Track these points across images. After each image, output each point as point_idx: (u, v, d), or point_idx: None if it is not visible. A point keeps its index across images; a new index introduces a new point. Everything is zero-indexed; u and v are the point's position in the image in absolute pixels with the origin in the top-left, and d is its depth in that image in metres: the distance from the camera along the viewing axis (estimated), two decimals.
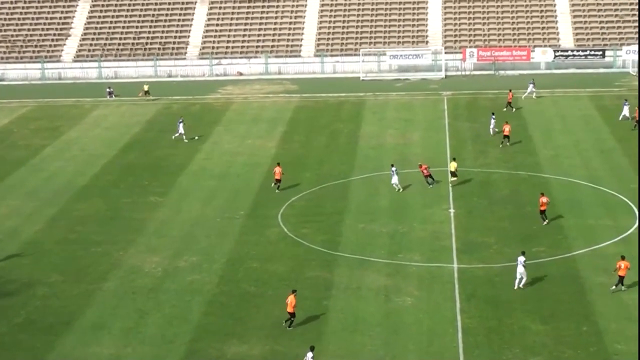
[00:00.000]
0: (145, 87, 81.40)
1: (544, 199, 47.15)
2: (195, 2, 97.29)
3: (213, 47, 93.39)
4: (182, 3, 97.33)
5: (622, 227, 46.35)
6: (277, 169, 54.73)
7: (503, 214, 49.13)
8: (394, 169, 53.39)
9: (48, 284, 42.54)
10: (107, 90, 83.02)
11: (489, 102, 74.70)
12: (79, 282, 42.56)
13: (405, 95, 79.94)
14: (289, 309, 37.01)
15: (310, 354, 33.05)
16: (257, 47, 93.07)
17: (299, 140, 66.30)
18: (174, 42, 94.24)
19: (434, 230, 47.26)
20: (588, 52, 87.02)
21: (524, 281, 39.82)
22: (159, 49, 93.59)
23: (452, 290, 39.92)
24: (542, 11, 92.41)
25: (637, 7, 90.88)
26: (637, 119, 64.78)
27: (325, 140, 65.94)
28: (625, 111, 66.95)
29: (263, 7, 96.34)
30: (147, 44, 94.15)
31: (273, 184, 54.43)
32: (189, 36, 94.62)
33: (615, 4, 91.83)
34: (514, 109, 70.99)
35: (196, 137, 67.03)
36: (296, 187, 54.89)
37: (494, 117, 65.27)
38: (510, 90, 73.06)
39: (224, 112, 75.63)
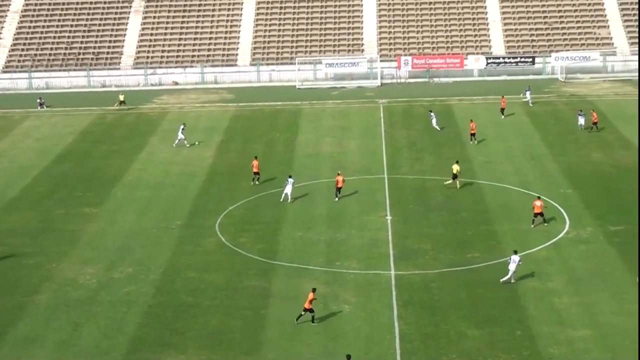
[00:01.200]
0: (121, 97, 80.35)
1: (537, 203, 47.93)
2: (129, 12, 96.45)
3: (148, 57, 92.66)
4: (116, 13, 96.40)
5: (552, 232, 47.24)
6: (255, 162, 56.30)
7: (438, 221, 49.67)
8: (290, 180, 53.46)
9: None
10: (38, 101, 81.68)
11: (423, 109, 75.50)
12: (10, 295, 41.72)
13: (341, 104, 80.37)
14: (306, 305, 37.34)
15: None
16: (193, 56, 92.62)
17: (235, 149, 66.12)
18: (108, 52, 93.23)
19: (371, 238, 47.53)
20: (519, 59, 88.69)
21: (510, 277, 40.53)
22: (92, 58, 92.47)
23: (389, 297, 40.18)
24: (474, 19, 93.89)
25: (565, 15, 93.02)
26: (594, 122, 65.99)
27: (262, 149, 65.86)
28: (581, 121, 66.82)
29: (198, 16, 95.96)
30: (79, 53, 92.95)
31: (252, 180, 56.34)
32: (122, 46, 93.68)
33: (544, 12, 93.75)
34: (504, 116, 72.03)
35: (196, 143, 67.07)
36: (233, 196, 54.72)
37: (432, 113, 68.81)
38: (503, 97, 74.04)
39: (159, 122, 75.06)
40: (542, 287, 40.54)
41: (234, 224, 50.35)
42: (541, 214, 47.99)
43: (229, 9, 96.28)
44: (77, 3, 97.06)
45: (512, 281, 40.82)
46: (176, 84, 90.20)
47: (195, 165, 62.05)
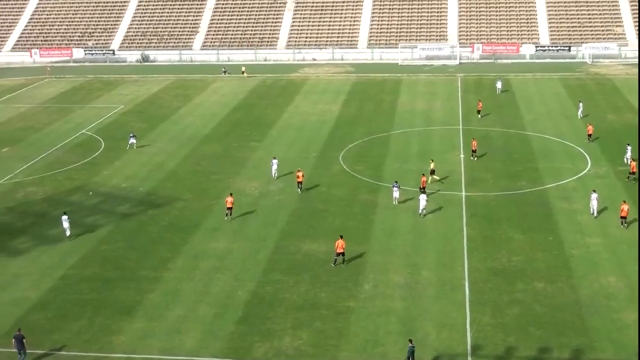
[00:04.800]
0: (243, 69, 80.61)
1: (624, 207, 36.60)
2: None
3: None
4: None
5: (578, 169, 45.12)
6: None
7: (498, 158, 47.94)
8: (275, 160, 45.60)
9: (183, 199, 43.26)
10: (222, 70, 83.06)
11: (489, 81, 72.52)
12: (203, 199, 43.20)
13: (430, 76, 77.89)
14: (339, 250, 33.15)
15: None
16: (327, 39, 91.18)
17: (354, 105, 64.72)
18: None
19: (446, 170, 46.33)
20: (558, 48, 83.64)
21: (594, 211, 37.30)
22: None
23: (460, 210, 39.44)
24: (527, 12, 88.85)
25: None
26: (479, 108, 58.77)
27: (372, 106, 64.40)
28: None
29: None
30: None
31: None
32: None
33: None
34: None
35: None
36: (352, 138, 53.93)
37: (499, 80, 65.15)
38: (480, 101, 61.02)
39: (302, 85, 74.26)
40: (569, 208, 38.87)
41: (352, 156, 50.20)
42: (624, 218, 36.69)
43: (351, 4, 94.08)
44: None
45: (594, 215, 37.01)
46: (315, 60, 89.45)
47: (326, 115, 61.74)
